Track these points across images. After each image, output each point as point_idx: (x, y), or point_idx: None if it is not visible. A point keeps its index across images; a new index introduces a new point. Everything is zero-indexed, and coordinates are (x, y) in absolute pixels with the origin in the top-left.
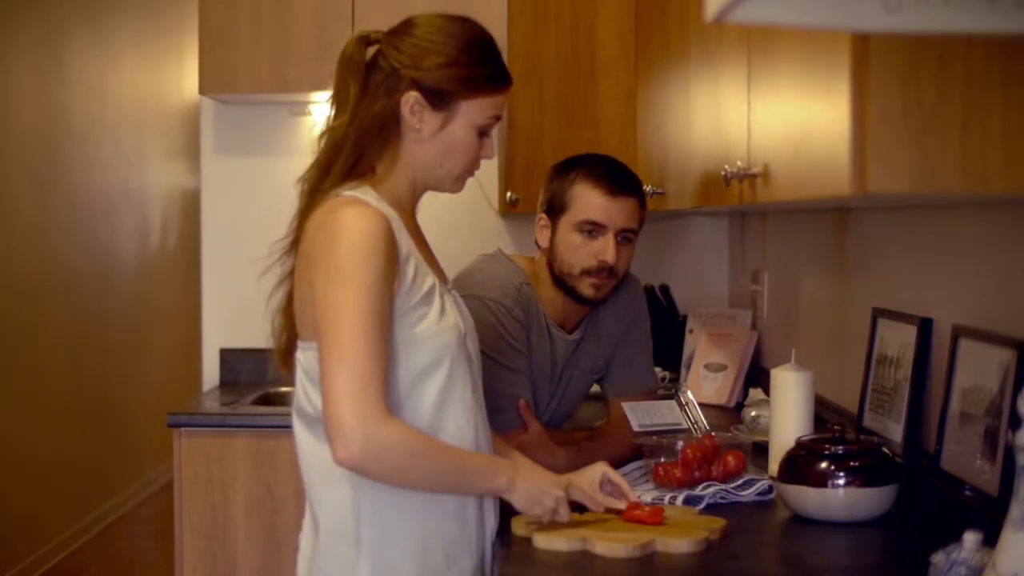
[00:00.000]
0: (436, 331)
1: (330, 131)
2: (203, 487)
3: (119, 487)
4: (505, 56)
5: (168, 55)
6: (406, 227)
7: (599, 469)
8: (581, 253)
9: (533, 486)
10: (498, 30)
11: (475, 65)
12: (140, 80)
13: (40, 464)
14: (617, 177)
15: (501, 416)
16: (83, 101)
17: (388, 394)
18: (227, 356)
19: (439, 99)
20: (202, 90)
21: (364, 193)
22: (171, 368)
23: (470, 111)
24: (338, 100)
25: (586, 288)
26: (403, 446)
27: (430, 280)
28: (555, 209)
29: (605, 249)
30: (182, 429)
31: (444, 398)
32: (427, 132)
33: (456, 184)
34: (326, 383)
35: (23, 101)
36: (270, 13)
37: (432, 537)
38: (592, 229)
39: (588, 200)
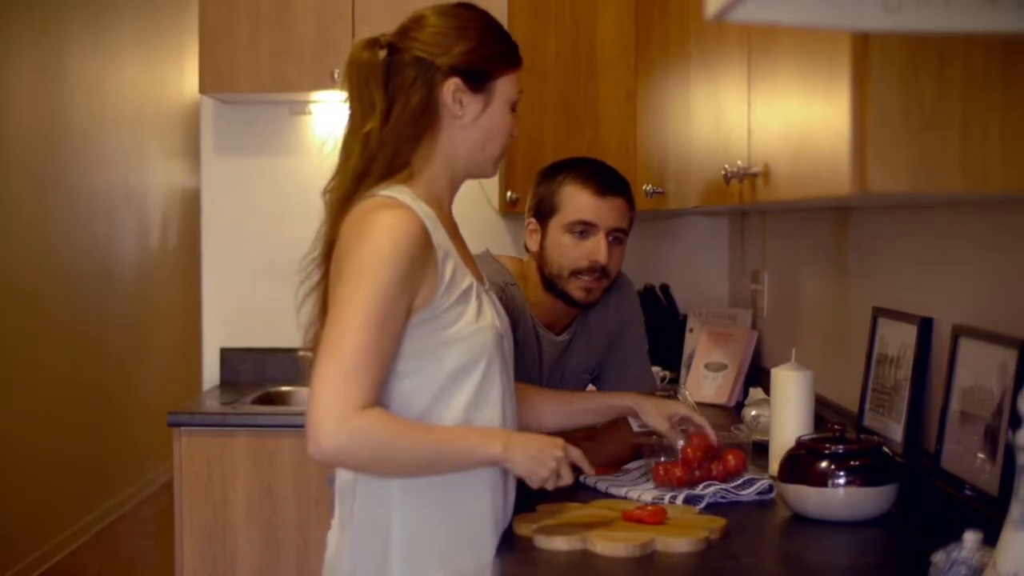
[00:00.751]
0: (473, 331)
1: (362, 138)
2: (203, 487)
3: (119, 487)
4: None
5: (168, 55)
6: (443, 224)
7: (680, 406)
8: (572, 254)
9: (532, 447)
10: None
11: (499, 43)
12: (140, 80)
13: (40, 464)
14: (606, 178)
15: None
16: (83, 101)
17: (420, 394)
18: (227, 356)
19: (478, 81)
20: (202, 89)
21: (399, 193)
22: (171, 368)
23: (505, 88)
24: (361, 107)
25: (576, 291)
26: (371, 438)
27: (468, 279)
28: (544, 212)
29: (596, 249)
30: (182, 429)
31: (478, 399)
32: (469, 117)
33: (495, 167)
34: (313, 376)
35: (23, 101)
36: (270, 13)
37: (460, 538)
38: (583, 230)
39: (578, 201)
